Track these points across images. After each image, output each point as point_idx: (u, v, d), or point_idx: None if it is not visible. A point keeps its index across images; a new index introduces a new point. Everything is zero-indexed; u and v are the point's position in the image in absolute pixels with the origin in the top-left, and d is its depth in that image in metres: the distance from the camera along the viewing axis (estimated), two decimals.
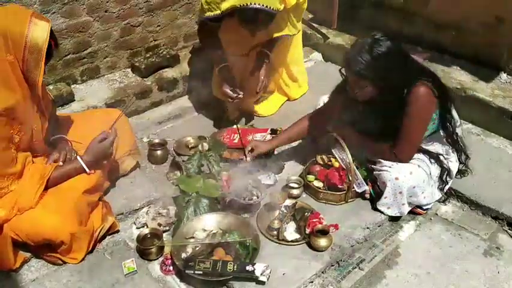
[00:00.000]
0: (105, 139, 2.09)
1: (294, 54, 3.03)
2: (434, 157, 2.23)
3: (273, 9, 2.35)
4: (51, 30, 1.81)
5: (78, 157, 2.08)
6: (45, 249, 1.98)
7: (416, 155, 2.22)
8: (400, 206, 2.23)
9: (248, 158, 2.36)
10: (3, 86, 1.77)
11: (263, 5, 2.31)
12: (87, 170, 2.06)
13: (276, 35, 2.72)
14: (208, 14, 2.52)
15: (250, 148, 2.40)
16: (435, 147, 2.26)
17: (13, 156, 1.89)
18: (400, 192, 2.18)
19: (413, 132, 2.15)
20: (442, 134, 2.27)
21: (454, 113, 2.27)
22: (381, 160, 2.25)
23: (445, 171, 2.26)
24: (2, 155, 1.84)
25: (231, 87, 2.67)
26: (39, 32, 1.74)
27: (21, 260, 1.99)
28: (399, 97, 2.09)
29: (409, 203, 2.24)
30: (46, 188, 1.97)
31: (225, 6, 2.42)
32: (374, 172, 2.29)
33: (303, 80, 3.20)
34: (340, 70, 2.13)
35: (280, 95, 3.13)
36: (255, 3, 2.31)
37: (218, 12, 2.47)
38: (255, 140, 2.44)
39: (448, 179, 2.31)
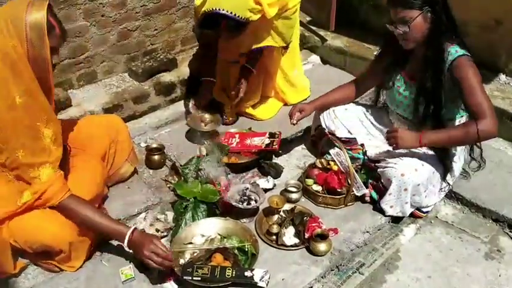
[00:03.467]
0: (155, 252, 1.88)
1: (290, 59, 2.99)
2: (438, 157, 2.21)
3: (239, 17, 2.31)
4: (55, 14, 1.86)
5: (130, 230, 1.91)
6: (43, 256, 1.96)
7: (423, 150, 2.20)
8: (403, 204, 2.21)
9: (294, 121, 2.46)
10: (11, 72, 1.76)
11: (227, 11, 2.28)
12: (125, 243, 1.90)
13: (256, 46, 2.69)
14: (194, 18, 2.53)
15: (298, 110, 2.46)
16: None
17: (44, 147, 1.85)
18: (405, 189, 2.16)
19: (482, 94, 2.04)
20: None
21: None
22: (385, 158, 2.25)
23: (447, 171, 2.25)
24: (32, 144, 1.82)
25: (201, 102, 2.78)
26: (36, 9, 1.79)
27: (21, 267, 1.97)
28: (441, 57, 2.07)
29: (411, 204, 2.23)
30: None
31: (200, 12, 2.39)
32: (378, 169, 2.27)
33: (303, 85, 3.15)
34: (385, 24, 2.10)
35: (278, 99, 3.11)
36: (220, 9, 2.28)
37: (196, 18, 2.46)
38: (301, 104, 2.54)
39: (450, 179, 2.30)
